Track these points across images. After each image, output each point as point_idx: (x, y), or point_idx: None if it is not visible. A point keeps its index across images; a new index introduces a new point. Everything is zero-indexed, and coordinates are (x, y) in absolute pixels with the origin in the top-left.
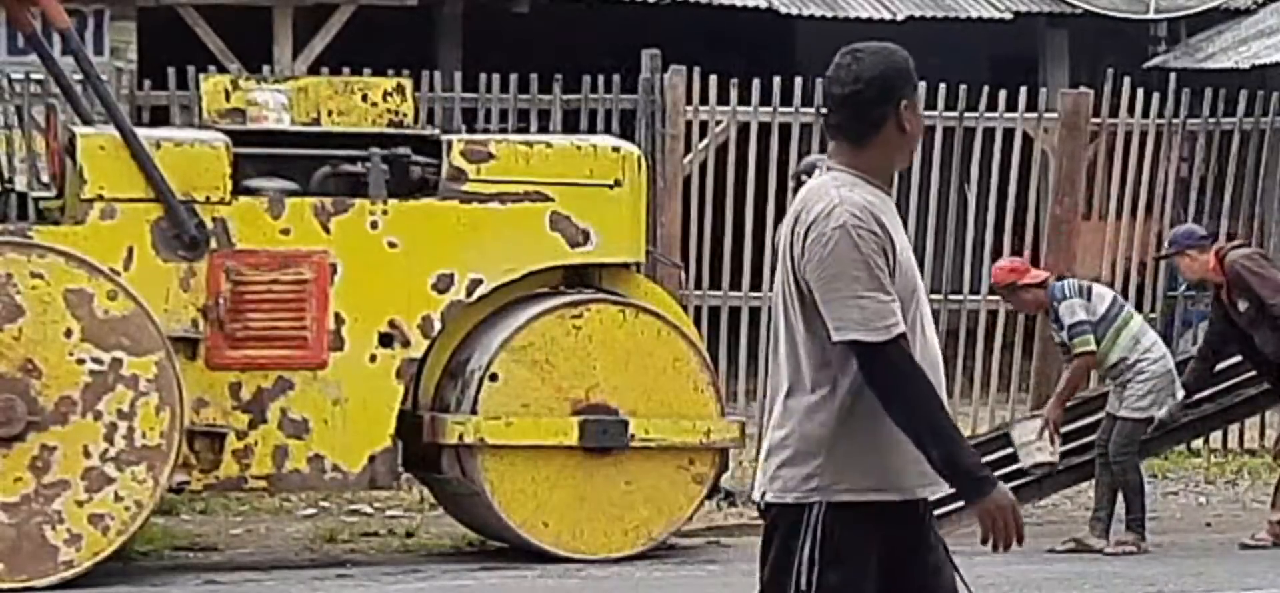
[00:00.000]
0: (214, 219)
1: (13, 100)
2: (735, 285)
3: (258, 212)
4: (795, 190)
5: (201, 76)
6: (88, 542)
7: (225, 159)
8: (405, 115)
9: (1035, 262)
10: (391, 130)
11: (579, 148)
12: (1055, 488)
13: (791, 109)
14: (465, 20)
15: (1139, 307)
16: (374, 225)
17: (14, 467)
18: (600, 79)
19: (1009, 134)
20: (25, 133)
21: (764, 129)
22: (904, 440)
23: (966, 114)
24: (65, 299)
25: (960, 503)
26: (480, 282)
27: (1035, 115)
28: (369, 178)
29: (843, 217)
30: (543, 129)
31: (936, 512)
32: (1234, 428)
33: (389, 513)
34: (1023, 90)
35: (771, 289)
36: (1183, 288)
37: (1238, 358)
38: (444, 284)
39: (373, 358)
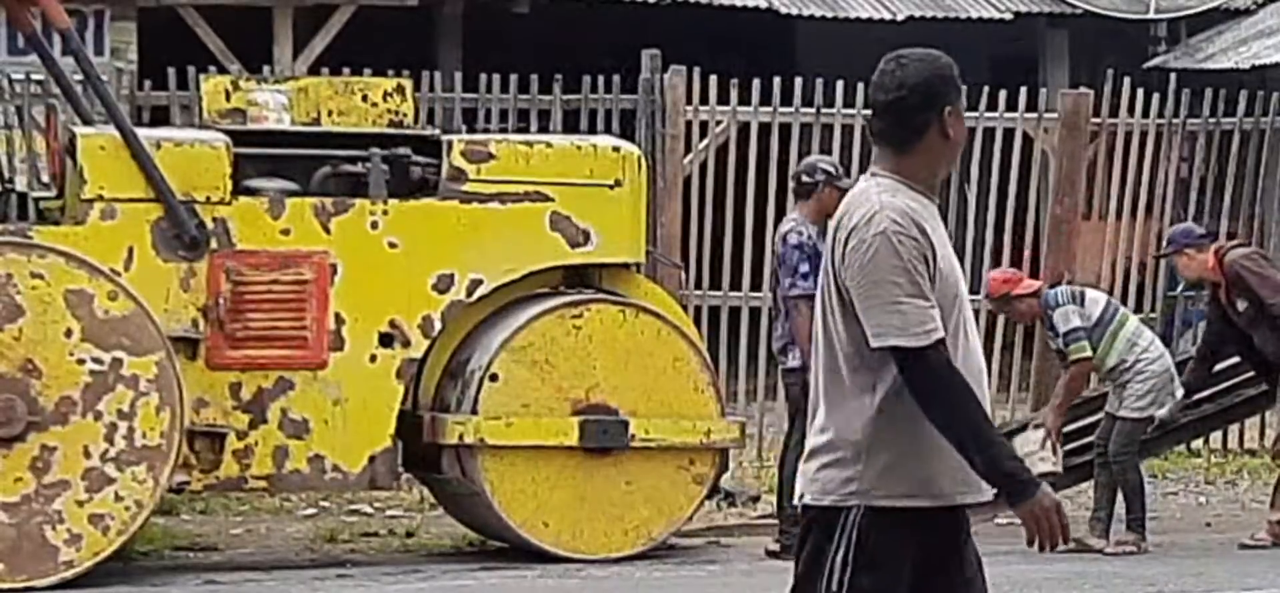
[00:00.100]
0: (214, 219)
1: (13, 100)
2: (735, 285)
3: (258, 212)
4: (795, 191)
5: (202, 77)
6: (88, 542)
7: (225, 159)
8: (405, 115)
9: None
10: (391, 130)
11: (579, 148)
12: (1055, 489)
13: (791, 109)
14: (465, 20)
15: (1139, 307)
16: (374, 225)
17: (14, 467)
18: (600, 79)
19: (1009, 134)
20: (25, 133)
21: (764, 129)
22: (942, 447)
23: (966, 114)
24: (65, 299)
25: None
26: (480, 282)
27: (1035, 115)
28: (369, 178)
29: (883, 223)
30: (543, 129)
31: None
32: (1234, 428)
33: (389, 513)
34: (1023, 90)
35: (771, 289)
36: (1182, 288)
37: (1237, 358)
38: (444, 284)
39: (373, 358)
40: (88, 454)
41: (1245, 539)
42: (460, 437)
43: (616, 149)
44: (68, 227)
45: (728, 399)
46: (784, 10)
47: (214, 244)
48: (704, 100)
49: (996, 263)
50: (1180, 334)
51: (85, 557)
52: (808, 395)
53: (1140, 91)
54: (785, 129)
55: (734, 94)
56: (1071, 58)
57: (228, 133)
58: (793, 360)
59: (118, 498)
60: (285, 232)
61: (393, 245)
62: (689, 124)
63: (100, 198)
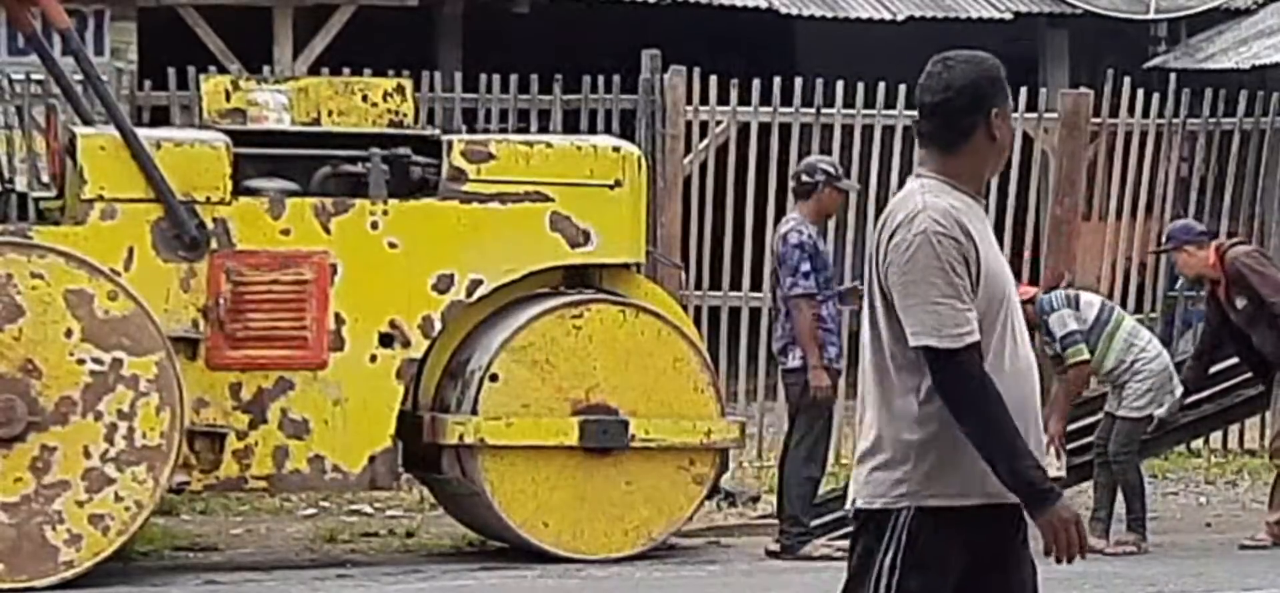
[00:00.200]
0: (214, 219)
1: (13, 100)
2: (735, 285)
3: (258, 212)
4: (795, 191)
5: (202, 77)
6: (88, 542)
7: (225, 159)
8: (405, 116)
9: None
10: (392, 130)
11: (579, 148)
12: None
13: (791, 109)
14: (465, 20)
15: (1139, 307)
16: (374, 226)
17: (14, 467)
18: (600, 79)
19: None
20: (25, 133)
21: (764, 129)
22: None
23: None
24: (65, 299)
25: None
26: (480, 282)
27: (1035, 115)
28: (369, 178)
29: (925, 223)
30: (543, 129)
31: None
32: (1234, 428)
33: (389, 513)
34: (1023, 90)
35: (771, 289)
36: (1182, 285)
37: (1235, 358)
38: (444, 284)
39: (373, 358)
40: (88, 454)
41: (1245, 540)
42: (460, 437)
43: (616, 149)
44: (68, 227)
45: (728, 399)
46: (784, 10)
47: (214, 244)
48: (704, 100)
49: None
50: (1180, 334)
51: (85, 557)
52: (807, 395)
53: (1140, 91)
54: (785, 129)
55: (734, 94)
56: (1071, 58)
57: (228, 133)
58: (793, 361)
59: (118, 498)
60: (285, 232)
61: (393, 245)
62: (689, 124)
63: (100, 198)
